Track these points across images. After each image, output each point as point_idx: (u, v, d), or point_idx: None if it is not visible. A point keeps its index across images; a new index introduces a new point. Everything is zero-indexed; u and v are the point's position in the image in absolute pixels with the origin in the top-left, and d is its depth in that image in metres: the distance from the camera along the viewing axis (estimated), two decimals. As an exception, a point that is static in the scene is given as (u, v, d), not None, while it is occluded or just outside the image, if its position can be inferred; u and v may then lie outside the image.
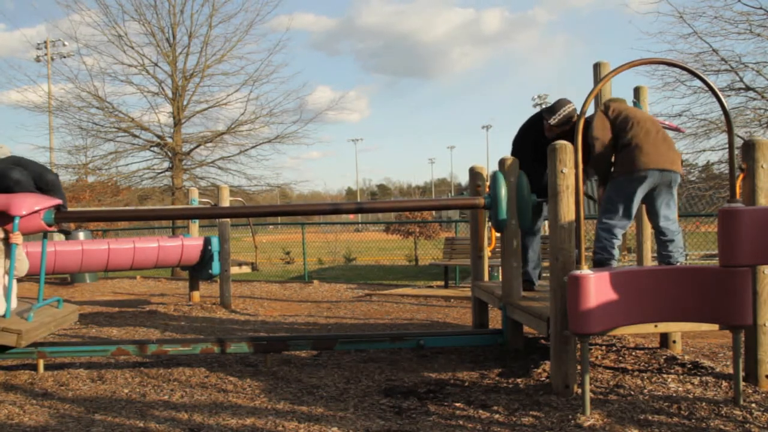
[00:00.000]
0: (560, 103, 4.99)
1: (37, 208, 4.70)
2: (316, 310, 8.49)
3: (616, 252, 4.43)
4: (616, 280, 3.63)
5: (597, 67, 5.32)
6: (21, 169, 4.86)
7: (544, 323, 4.16)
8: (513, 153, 5.29)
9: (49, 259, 7.45)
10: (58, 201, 4.94)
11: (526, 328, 5.11)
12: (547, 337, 4.17)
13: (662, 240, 4.53)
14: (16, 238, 4.56)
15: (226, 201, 8.78)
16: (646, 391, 4.05)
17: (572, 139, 3.82)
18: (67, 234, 5.30)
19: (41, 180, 4.93)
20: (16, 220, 4.57)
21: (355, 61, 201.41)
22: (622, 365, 4.74)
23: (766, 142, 4.01)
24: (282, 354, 5.35)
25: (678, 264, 4.48)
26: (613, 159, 4.57)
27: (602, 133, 4.49)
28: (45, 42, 33.72)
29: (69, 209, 5.24)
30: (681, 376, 4.34)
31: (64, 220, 5.03)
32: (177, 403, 4.12)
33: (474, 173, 5.85)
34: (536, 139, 5.12)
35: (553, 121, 4.95)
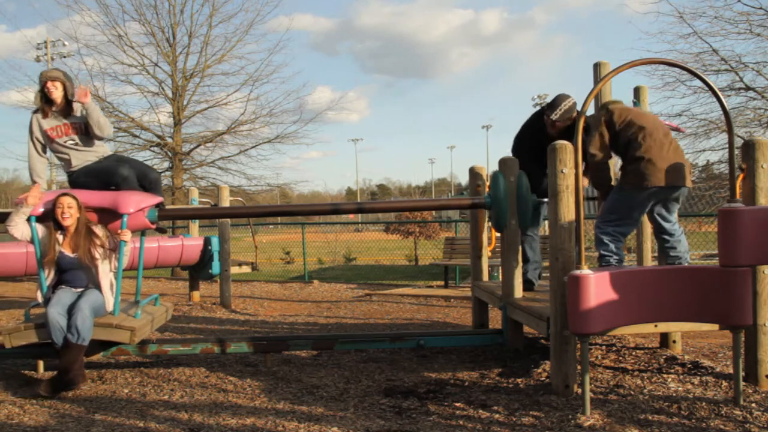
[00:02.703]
0: (560, 98, 5.00)
1: (143, 206, 4.72)
2: (316, 310, 8.49)
3: (622, 254, 4.43)
4: (616, 280, 3.63)
5: (597, 67, 5.32)
6: (129, 166, 4.87)
7: (544, 323, 4.16)
8: (513, 151, 5.29)
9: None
10: (159, 199, 4.96)
11: (526, 328, 5.11)
12: (547, 337, 4.16)
13: (668, 243, 4.50)
14: (125, 235, 4.53)
15: (226, 201, 8.78)
16: (646, 391, 4.05)
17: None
18: (163, 232, 5.40)
19: (145, 178, 4.93)
20: (125, 218, 4.57)
21: (354, 62, 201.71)
22: (622, 365, 4.74)
23: (766, 142, 4.01)
24: (282, 354, 5.35)
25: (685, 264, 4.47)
26: (613, 165, 4.54)
27: (599, 151, 4.39)
28: (45, 42, 33.74)
29: (166, 207, 5.28)
30: (681, 376, 4.34)
31: (165, 218, 5.06)
32: (177, 403, 4.12)
33: (474, 173, 5.86)
34: (537, 138, 5.12)
35: (554, 116, 4.96)
